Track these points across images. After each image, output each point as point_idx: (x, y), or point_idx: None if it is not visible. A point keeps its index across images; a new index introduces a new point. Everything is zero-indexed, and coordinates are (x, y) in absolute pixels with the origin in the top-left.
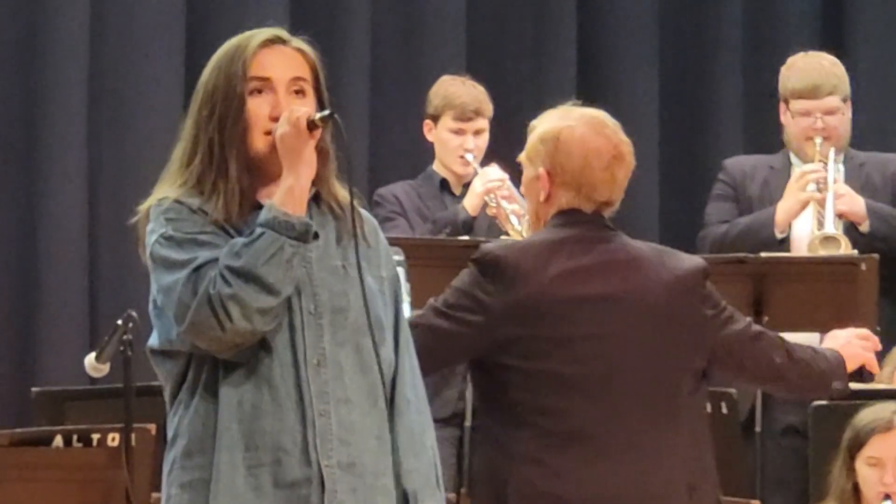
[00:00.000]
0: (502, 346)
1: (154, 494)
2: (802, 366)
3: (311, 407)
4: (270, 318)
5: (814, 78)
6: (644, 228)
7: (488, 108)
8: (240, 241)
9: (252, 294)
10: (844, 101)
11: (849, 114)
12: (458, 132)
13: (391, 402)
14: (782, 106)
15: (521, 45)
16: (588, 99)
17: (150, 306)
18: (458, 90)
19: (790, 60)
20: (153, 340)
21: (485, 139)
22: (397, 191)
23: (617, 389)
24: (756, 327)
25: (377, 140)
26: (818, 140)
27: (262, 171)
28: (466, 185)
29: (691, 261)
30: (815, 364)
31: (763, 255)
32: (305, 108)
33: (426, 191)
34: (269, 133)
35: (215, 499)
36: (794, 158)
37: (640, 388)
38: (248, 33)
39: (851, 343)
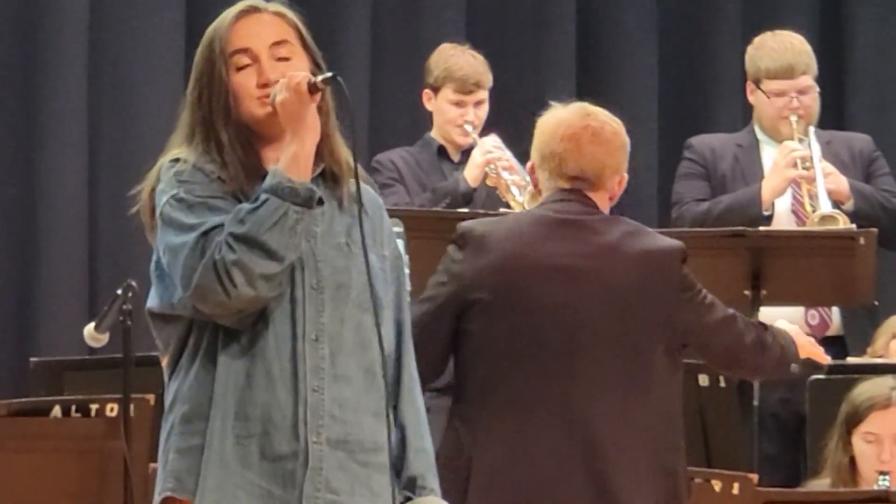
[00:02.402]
0: (468, 312)
1: (152, 464)
2: (768, 350)
3: (305, 382)
4: (274, 285)
5: (788, 58)
6: (642, 205)
7: (488, 78)
8: (245, 207)
9: (255, 260)
10: (815, 79)
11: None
12: (459, 104)
13: (397, 380)
14: (750, 86)
15: (520, 16)
16: (587, 72)
17: (153, 266)
18: (458, 61)
19: (758, 41)
20: (152, 302)
21: (485, 110)
22: (395, 157)
23: (577, 362)
24: (731, 311)
25: (378, 112)
26: (793, 118)
27: (260, 135)
28: (465, 153)
29: (668, 242)
30: (777, 346)
31: (762, 228)
32: (303, 71)
33: (424, 157)
34: (261, 98)
35: (206, 465)
36: (761, 136)
37: (602, 362)
38: (226, 11)
39: (801, 335)
